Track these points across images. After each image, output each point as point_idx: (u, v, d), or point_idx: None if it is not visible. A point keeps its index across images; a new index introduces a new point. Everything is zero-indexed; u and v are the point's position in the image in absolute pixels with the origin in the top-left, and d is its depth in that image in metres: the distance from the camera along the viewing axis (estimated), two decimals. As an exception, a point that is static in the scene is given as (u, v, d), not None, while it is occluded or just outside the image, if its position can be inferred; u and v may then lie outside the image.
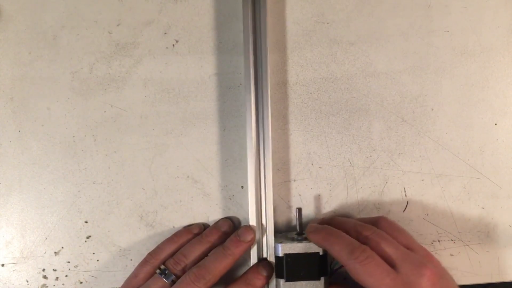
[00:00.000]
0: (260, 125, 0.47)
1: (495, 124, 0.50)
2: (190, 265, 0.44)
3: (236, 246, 0.44)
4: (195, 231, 0.47)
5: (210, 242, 0.46)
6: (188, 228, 0.48)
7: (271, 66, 0.49)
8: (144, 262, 0.46)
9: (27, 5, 0.49)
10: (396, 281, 0.38)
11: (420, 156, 0.50)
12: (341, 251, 0.41)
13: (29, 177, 0.49)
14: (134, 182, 0.49)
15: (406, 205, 0.50)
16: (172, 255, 0.46)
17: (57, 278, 0.49)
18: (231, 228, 0.48)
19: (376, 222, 0.44)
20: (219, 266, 0.43)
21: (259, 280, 0.44)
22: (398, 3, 0.50)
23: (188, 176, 0.49)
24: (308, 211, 0.50)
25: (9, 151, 0.49)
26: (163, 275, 0.44)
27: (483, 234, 0.50)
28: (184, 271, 0.44)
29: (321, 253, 0.44)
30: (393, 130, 0.50)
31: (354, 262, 0.39)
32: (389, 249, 0.40)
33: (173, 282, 0.43)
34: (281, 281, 0.44)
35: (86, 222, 0.49)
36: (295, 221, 0.48)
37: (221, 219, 0.49)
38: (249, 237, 0.45)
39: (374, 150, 0.50)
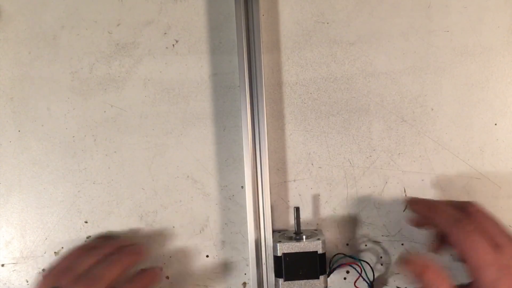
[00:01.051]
0: (256, 125, 0.47)
1: (495, 124, 0.50)
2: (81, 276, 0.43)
3: (126, 255, 0.45)
4: (88, 248, 0.46)
5: (100, 254, 0.44)
6: (80, 246, 0.47)
7: (270, 66, 0.49)
8: (40, 283, 0.44)
9: (27, 5, 0.49)
10: (497, 261, 0.38)
11: (420, 156, 0.50)
12: (448, 218, 0.40)
13: (29, 177, 0.49)
14: (134, 182, 0.49)
15: (406, 205, 0.50)
16: (65, 271, 0.43)
17: (57, 278, 0.49)
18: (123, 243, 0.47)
19: (465, 207, 0.43)
20: (107, 273, 0.42)
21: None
22: (398, 3, 0.50)
23: (188, 176, 0.49)
24: (308, 211, 0.50)
25: (9, 151, 0.49)
26: None
27: (483, 234, 0.50)
28: (75, 283, 0.42)
29: (319, 252, 0.44)
30: (393, 130, 0.50)
31: (459, 230, 0.39)
32: (493, 229, 0.40)
33: None
34: (280, 281, 0.44)
35: (86, 222, 0.49)
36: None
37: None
38: (138, 250, 0.46)
39: (374, 150, 0.50)
